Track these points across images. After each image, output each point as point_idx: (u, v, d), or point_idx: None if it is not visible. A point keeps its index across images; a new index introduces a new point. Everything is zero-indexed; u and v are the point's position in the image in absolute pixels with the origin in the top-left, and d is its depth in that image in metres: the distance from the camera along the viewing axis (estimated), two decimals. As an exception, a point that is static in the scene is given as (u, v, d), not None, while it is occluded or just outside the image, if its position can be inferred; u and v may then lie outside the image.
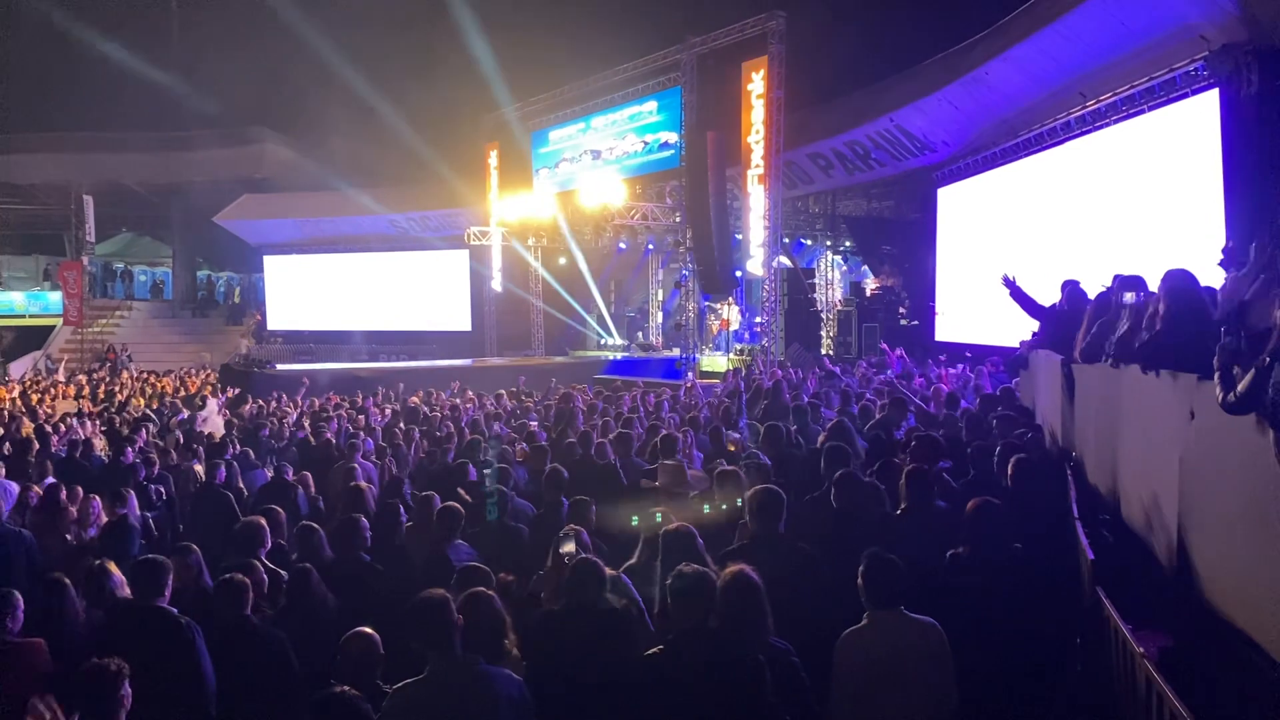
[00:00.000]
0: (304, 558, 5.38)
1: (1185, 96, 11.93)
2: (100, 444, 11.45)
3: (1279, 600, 3.22)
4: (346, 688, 3.46)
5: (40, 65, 33.40)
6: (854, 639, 3.93)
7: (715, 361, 22.91)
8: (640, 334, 29.06)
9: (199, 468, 9.39)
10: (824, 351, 22.52)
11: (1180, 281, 4.52)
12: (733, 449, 7.84)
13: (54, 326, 34.34)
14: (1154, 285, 4.98)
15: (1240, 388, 3.23)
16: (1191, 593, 4.02)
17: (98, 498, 6.96)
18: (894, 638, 3.89)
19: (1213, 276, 5.28)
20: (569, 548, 4.46)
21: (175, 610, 4.40)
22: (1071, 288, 7.62)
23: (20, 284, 37.77)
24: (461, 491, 7.10)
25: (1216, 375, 3.42)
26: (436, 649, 3.47)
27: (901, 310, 22.94)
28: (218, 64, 29.48)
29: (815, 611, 4.22)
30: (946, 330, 19.38)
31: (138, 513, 7.05)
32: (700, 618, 3.61)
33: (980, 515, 4.65)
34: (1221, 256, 7.07)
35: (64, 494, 7.09)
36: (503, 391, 15.90)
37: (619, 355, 26.79)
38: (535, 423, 11.67)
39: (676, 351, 24.45)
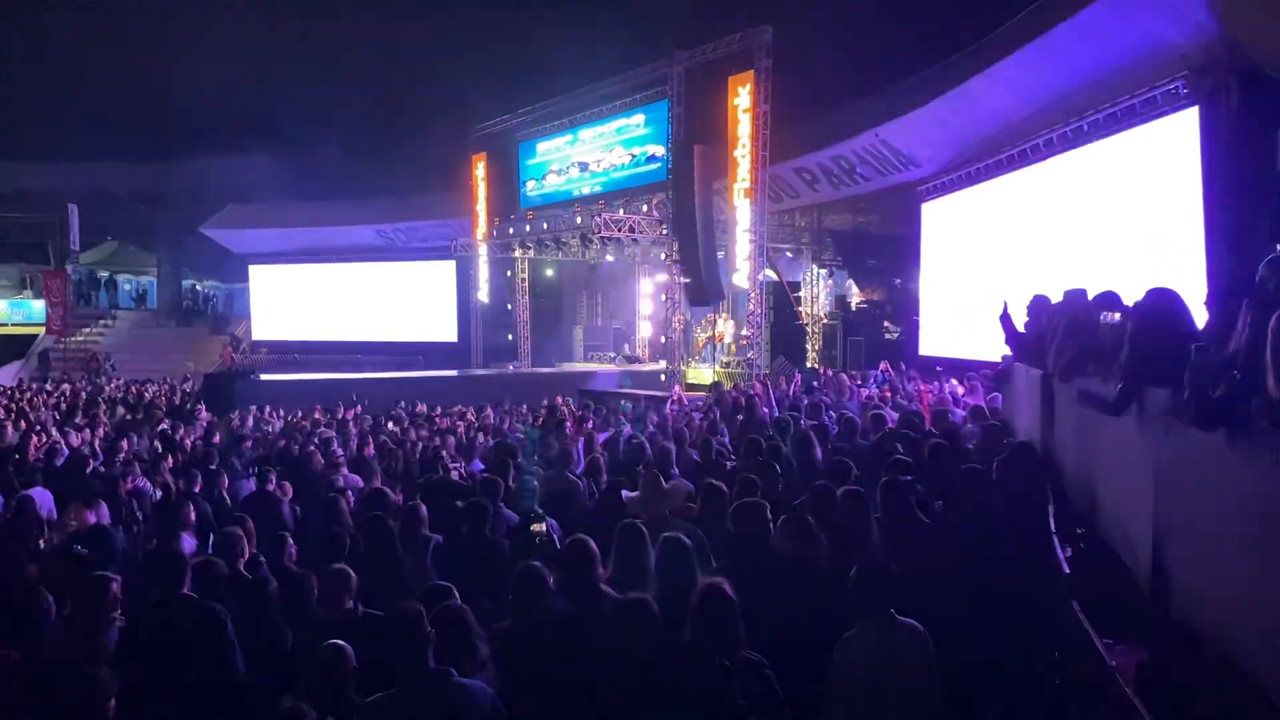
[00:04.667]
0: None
1: (1165, 114, 12.04)
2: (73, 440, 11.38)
3: (1254, 615, 3.24)
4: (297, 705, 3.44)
5: (26, 71, 33.28)
6: (849, 644, 3.98)
7: (701, 374, 22.88)
8: (626, 346, 29.13)
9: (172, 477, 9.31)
10: (809, 364, 22.54)
11: (1152, 300, 4.54)
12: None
13: (37, 335, 34.09)
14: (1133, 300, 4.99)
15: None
16: (1167, 607, 4.04)
17: (80, 505, 6.91)
18: (886, 642, 3.93)
19: (1193, 289, 5.32)
20: (539, 527, 4.53)
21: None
22: (1040, 302, 7.67)
23: (3, 292, 37.54)
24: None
25: (1189, 391, 3.44)
26: (407, 663, 3.45)
27: (886, 324, 23.00)
28: (205, 73, 29.40)
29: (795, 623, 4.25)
30: (930, 344, 19.45)
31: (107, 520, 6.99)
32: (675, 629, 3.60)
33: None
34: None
35: (36, 506, 7.04)
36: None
37: (605, 367, 26.76)
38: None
39: (662, 364, 24.43)
